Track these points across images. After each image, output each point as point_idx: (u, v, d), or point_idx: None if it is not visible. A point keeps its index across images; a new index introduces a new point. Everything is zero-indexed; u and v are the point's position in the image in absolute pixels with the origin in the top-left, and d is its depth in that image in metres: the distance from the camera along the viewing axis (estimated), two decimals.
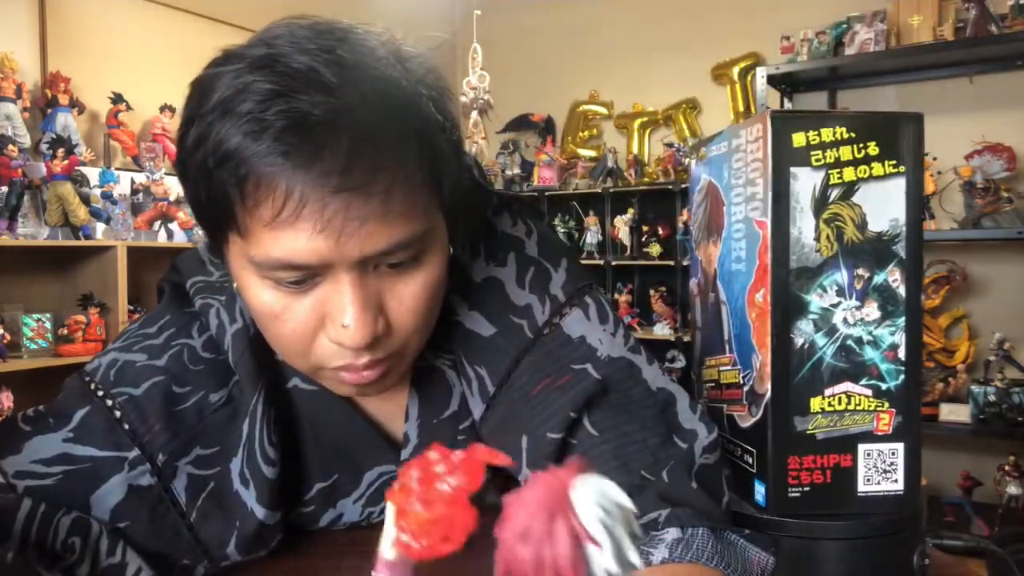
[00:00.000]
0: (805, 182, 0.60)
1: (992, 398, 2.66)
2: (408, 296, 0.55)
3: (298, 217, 0.49)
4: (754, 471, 0.64)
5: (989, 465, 2.68)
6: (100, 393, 0.61)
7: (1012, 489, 2.56)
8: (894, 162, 0.62)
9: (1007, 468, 2.59)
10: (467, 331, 0.66)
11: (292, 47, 0.51)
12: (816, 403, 0.62)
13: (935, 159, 2.78)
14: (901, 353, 0.63)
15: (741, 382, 0.65)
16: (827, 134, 0.60)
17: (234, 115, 0.49)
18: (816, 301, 0.61)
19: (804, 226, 0.61)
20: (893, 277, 0.63)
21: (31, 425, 0.60)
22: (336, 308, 0.53)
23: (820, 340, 0.62)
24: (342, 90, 0.49)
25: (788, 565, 0.63)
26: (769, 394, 0.61)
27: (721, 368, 0.69)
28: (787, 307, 0.61)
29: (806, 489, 0.62)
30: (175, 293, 0.68)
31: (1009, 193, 2.68)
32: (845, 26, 2.98)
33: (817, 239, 0.61)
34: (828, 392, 0.62)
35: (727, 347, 0.68)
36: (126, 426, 0.60)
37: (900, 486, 0.64)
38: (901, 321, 0.63)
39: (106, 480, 0.58)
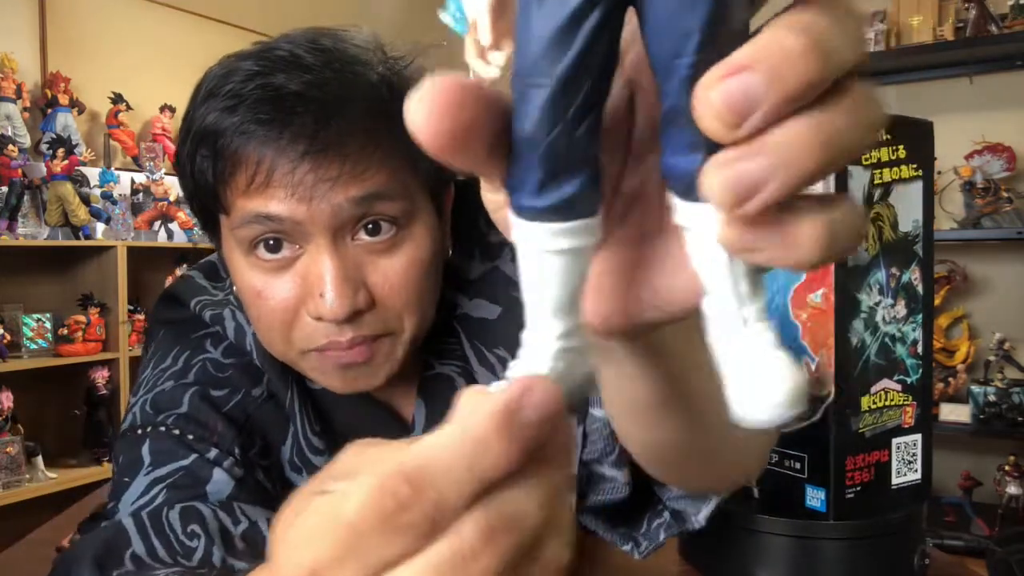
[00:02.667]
0: (857, 180, 0.61)
1: (992, 398, 2.66)
2: (392, 272, 0.55)
3: (269, 183, 0.52)
4: (805, 476, 0.63)
5: (989, 465, 2.67)
6: (149, 428, 0.61)
7: (1012, 489, 2.56)
8: (915, 165, 0.63)
9: (1007, 468, 2.59)
10: (475, 320, 0.66)
11: (281, 40, 0.55)
12: (865, 401, 0.62)
13: (935, 159, 2.78)
14: (920, 348, 0.64)
15: None
16: None
17: (217, 96, 0.53)
18: (865, 300, 0.61)
19: None
20: (915, 276, 0.64)
21: (115, 497, 0.59)
22: (315, 278, 0.54)
23: (868, 339, 0.62)
24: (318, 69, 0.52)
25: (789, 565, 0.63)
26: (832, 396, 0.61)
27: None
28: (846, 307, 0.61)
29: (858, 489, 0.63)
30: (173, 328, 0.68)
31: (1009, 193, 2.68)
32: None
33: (866, 238, 0.61)
34: (873, 390, 0.63)
35: None
36: (190, 437, 0.59)
37: (919, 475, 0.65)
38: (920, 317, 0.64)
39: (210, 477, 0.58)
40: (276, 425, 0.64)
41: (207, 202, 0.56)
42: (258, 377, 0.64)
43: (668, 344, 0.32)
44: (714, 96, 0.18)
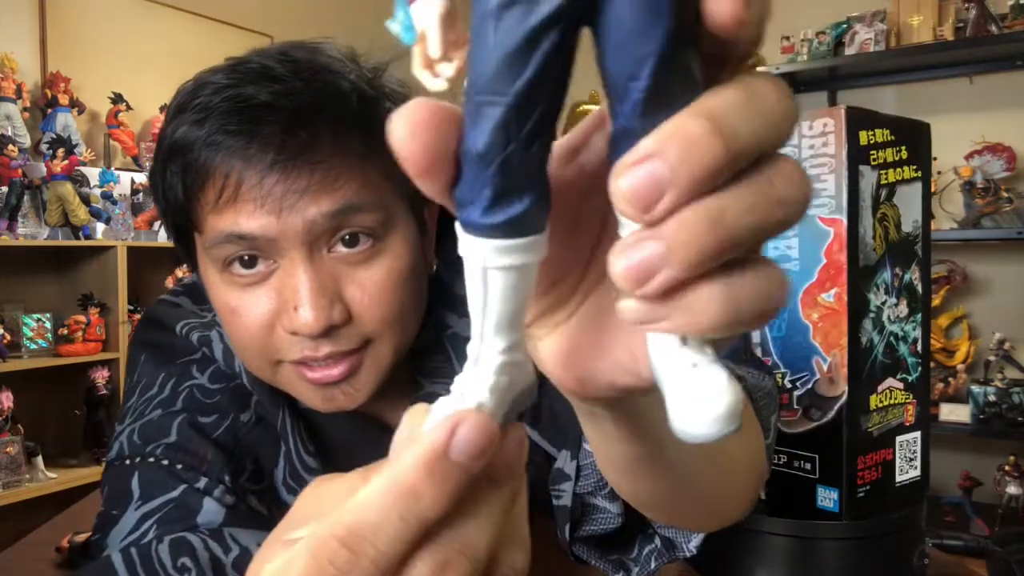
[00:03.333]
0: (867, 181, 0.60)
1: (992, 398, 2.66)
2: (369, 283, 0.54)
3: (238, 195, 0.51)
4: (816, 477, 0.63)
5: (989, 465, 2.67)
6: (138, 459, 0.60)
7: (1012, 489, 2.56)
8: (915, 167, 0.63)
9: (1007, 468, 2.59)
10: (464, 339, 0.65)
11: (253, 54, 0.54)
12: (873, 400, 0.62)
13: (935, 159, 2.78)
14: (919, 347, 0.64)
15: (788, 387, 0.64)
16: (879, 135, 0.60)
17: (187, 111, 0.52)
18: (873, 299, 0.61)
19: (867, 225, 0.61)
20: (915, 275, 0.64)
21: (100, 530, 0.58)
22: (290, 292, 0.53)
23: (875, 338, 0.62)
24: (288, 79, 0.52)
25: (789, 565, 0.63)
26: (846, 395, 0.61)
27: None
28: (857, 306, 0.60)
29: (867, 488, 0.63)
30: (156, 353, 0.67)
31: (1009, 193, 2.68)
32: (845, 26, 2.98)
33: (874, 238, 0.61)
34: (880, 388, 0.63)
35: (758, 350, 0.67)
36: (179, 466, 0.59)
37: (918, 472, 0.65)
38: (919, 316, 0.64)
39: (200, 506, 0.57)
40: (267, 448, 0.63)
41: (179, 220, 0.55)
42: (246, 401, 0.63)
43: (652, 408, 0.31)
44: (623, 184, 0.19)
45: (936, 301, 2.86)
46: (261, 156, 0.50)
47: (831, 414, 0.62)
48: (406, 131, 0.21)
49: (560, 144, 0.25)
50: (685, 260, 0.19)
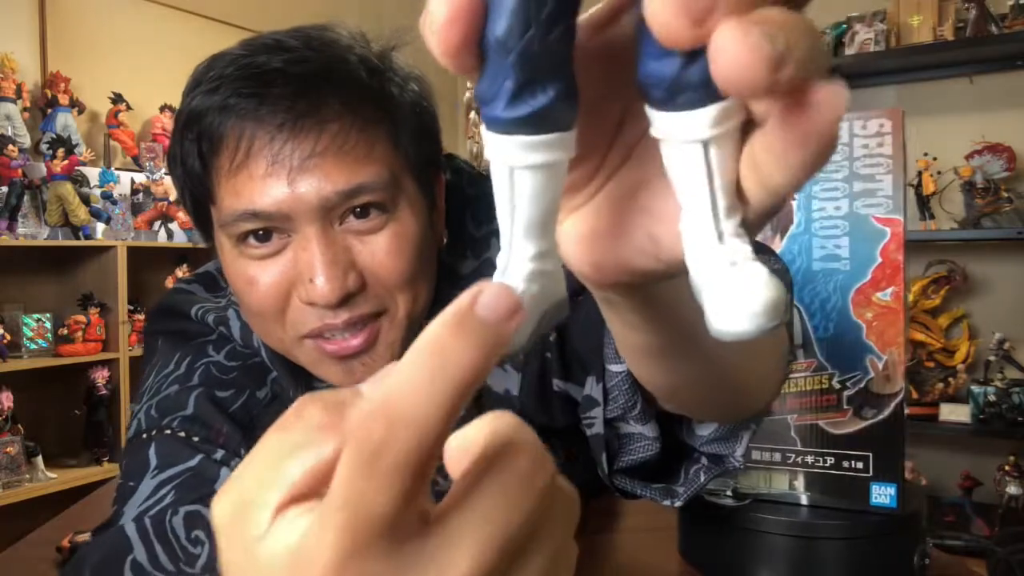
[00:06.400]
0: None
1: (992, 398, 2.66)
2: (379, 248, 0.55)
3: (248, 157, 0.52)
4: (870, 475, 0.63)
5: (989, 465, 2.67)
6: (154, 432, 0.60)
7: (1012, 489, 2.55)
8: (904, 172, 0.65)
9: (1007, 468, 2.59)
10: None
11: (268, 33, 0.57)
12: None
13: (935, 159, 2.78)
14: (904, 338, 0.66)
15: (838, 387, 0.64)
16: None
17: (202, 83, 0.54)
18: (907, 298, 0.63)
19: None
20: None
21: (118, 503, 0.59)
22: (305, 266, 0.54)
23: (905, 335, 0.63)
24: (299, 49, 0.54)
25: (789, 564, 0.63)
26: (903, 393, 0.61)
27: (792, 376, 0.67)
28: (907, 304, 0.61)
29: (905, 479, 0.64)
30: (172, 337, 0.68)
31: (1009, 193, 2.68)
32: (845, 26, 2.98)
33: None
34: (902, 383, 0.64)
35: (800, 352, 0.67)
36: (195, 439, 0.59)
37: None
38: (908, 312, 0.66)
39: (218, 476, 0.57)
40: None
41: (197, 192, 0.57)
42: (262, 378, 0.64)
43: (671, 296, 0.31)
44: None
45: (936, 301, 2.86)
46: (271, 117, 0.52)
47: (887, 411, 0.62)
48: (446, 15, 0.20)
49: (585, 18, 0.23)
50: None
